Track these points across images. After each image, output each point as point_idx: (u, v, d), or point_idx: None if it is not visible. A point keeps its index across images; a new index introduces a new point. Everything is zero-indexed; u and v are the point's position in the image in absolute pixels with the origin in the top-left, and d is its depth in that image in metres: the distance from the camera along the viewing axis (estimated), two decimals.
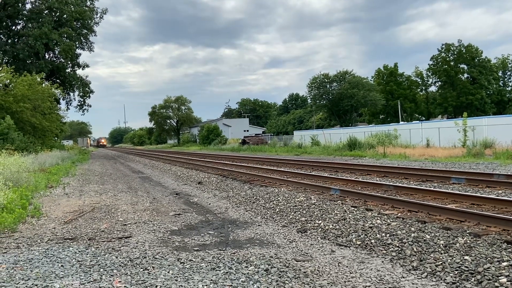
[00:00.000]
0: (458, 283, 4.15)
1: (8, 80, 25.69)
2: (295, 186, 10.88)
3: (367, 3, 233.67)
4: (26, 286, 4.04)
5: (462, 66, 67.06)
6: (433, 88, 73.29)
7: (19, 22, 39.40)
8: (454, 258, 4.62)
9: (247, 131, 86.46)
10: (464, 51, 65.88)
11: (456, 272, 4.35)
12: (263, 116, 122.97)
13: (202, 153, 41.11)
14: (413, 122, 48.97)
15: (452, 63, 66.97)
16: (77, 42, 39.73)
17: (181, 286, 4.09)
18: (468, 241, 5.00)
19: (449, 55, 67.67)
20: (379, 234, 5.82)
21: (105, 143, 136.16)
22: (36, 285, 4.08)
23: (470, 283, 4.11)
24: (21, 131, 23.65)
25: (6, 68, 25.72)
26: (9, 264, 4.82)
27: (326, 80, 68.42)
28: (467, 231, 5.40)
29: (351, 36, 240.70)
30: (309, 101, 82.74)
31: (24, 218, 7.64)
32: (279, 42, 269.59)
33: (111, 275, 4.45)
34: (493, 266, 4.28)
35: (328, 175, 13.20)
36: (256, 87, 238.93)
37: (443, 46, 68.09)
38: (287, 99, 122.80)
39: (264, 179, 12.88)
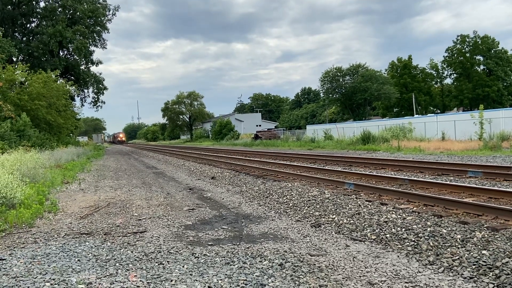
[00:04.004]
0: (475, 278, 4.09)
1: (24, 78, 26.06)
2: (309, 180, 10.84)
3: None
4: (44, 280, 4.10)
5: (478, 57, 65.90)
6: (448, 81, 72.31)
7: (33, 20, 39.99)
8: (472, 253, 4.55)
9: (260, 126, 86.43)
10: (480, 42, 64.70)
11: (474, 266, 4.28)
12: (276, 111, 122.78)
13: (215, 148, 41.25)
14: (428, 115, 48.34)
15: (467, 55, 65.84)
16: (90, 40, 40.14)
17: (196, 280, 4.10)
18: (486, 235, 4.92)
19: (465, 46, 66.52)
20: (394, 228, 5.76)
21: (123, 139, 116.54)
22: (53, 279, 4.14)
23: (488, 278, 4.04)
24: (37, 128, 24.01)
25: (21, 65, 26.10)
26: (27, 259, 4.90)
27: (339, 74, 67.83)
28: (485, 225, 5.30)
29: (364, 29, 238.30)
30: (321, 95, 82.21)
31: (41, 213, 7.77)
32: (291, 35, 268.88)
33: (127, 270, 4.49)
34: None
35: (342, 169, 13.11)
36: (269, 81, 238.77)
37: (459, 38, 67.00)
38: (299, 93, 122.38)
39: (277, 173, 12.85)
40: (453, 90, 68.53)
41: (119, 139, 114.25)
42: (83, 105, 45.12)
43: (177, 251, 5.24)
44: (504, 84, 64.75)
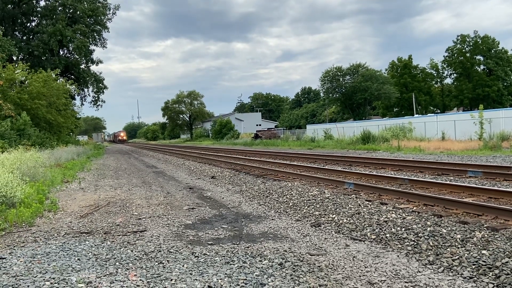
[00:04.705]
0: (475, 278, 4.09)
1: (24, 77, 26.04)
2: (309, 180, 10.84)
3: None
4: (44, 279, 4.10)
5: (478, 57, 65.86)
6: (448, 80, 72.31)
7: (34, 19, 39.96)
8: (471, 253, 4.55)
9: (260, 125, 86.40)
10: (480, 42, 64.69)
11: (474, 266, 4.28)
12: (276, 110, 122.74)
13: (215, 147, 41.24)
14: (428, 115, 48.34)
15: (468, 55, 65.83)
16: (90, 39, 40.08)
17: (196, 279, 4.11)
18: (486, 235, 4.92)
19: (465, 46, 66.49)
20: (394, 228, 5.76)
21: (124, 138, 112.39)
22: (53, 278, 4.14)
23: (487, 278, 4.04)
24: (37, 127, 24.00)
25: (22, 64, 26.09)
26: (27, 258, 4.91)
27: (339, 73, 67.80)
28: (485, 225, 5.31)
29: (364, 28, 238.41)
30: (321, 94, 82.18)
31: (41, 212, 7.77)
32: (291, 35, 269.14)
33: (127, 269, 4.49)
34: None
35: (342, 169, 13.11)
36: (269, 81, 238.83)
37: (459, 38, 66.98)
38: (299, 93, 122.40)
39: (277, 173, 12.86)
40: (453, 90, 68.53)
41: (120, 138, 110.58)
42: (83, 104, 45.28)
43: (177, 250, 5.24)
44: (504, 84, 64.73)
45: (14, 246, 5.53)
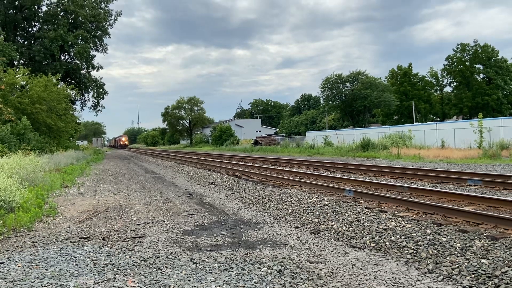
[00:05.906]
0: (475, 287, 4.08)
1: (25, 82, 26.10)
2: (308, 187, 10.83)
3: (381, 2, 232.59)
4: (42, 285, 4.08)
5: (477, 66, 66.10)
6: (448, 89, 72.52)
7: (35, 24, 40.07)
8: (471, 261, 4.54)
9: (259, 131, 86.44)
10: (480, 51, 64.95)
11: (473, 275, 4.27)
12: (276, 117, 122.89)
13: (215, 153, 41.23)
14: (428, 123, 48.39)
15: (467, 63, 66.05)
16: (91, 44, 40.21)
17: (194, 286, 4.09)
18: (485, 244, 4.91)
19: (465, 55, 66.77)
20: (393, 236, 5.75)
21: (126, 143, 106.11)
22: (51, 283, 4.12)
23: (487, 287, 4.02)
24: (37, 132, 24.01)
25: (23, 69, 26.15)
26: (25, 263, 4.88)
27: (339, 81, 67.99)
28: (484, 234, 5.30)
29: (365, 36, 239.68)
30: (321, 101, 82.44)
31: (39, 217, 7.75)
32: (292, 42, 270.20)
33: (125, 275, 4.47)
34: (511, 270, 4.18)
35: (341, 176, 13.10)
36: (269, 87, 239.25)
37: (459, 46, 67.29)
38: (299, 100, 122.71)
39: (277, 179, 12.84)
40: (453, 98, 68.70)
41: (121, 143, 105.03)
42: (83, 109, 45.21)
43: (175, 257, 5.22)
44: (503, 93, 64.88)
45: (12, 251, 5.51)
